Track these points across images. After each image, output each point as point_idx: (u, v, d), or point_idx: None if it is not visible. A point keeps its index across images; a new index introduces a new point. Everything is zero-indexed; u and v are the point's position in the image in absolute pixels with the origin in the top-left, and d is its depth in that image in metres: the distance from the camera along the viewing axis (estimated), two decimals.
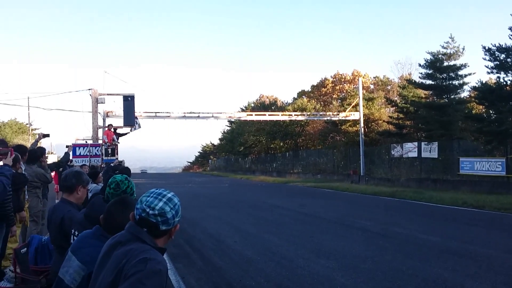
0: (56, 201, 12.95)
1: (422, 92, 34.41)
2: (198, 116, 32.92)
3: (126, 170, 12.34)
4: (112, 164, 14.15)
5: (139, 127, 26.43)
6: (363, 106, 36.32)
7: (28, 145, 17.21)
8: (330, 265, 7.84)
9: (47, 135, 10.41)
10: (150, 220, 2.17)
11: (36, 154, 8.39)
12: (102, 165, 17.11)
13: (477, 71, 56.28)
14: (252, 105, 67.02)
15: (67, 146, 11.78)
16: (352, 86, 51.96)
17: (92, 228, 2.99)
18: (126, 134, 23.35)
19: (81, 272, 2.77)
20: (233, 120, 57.57)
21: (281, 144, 55.51)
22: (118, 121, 26.92)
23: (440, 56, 30.64)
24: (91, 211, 3.57)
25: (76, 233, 3.51)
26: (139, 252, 2.10)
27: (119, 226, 2.58)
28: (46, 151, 9.38)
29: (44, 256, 5.37)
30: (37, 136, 10.39)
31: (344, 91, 51.44)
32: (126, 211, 2.73)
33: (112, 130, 21.61)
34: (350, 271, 7.35)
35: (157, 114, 31.77)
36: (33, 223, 7.82)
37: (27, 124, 50.08)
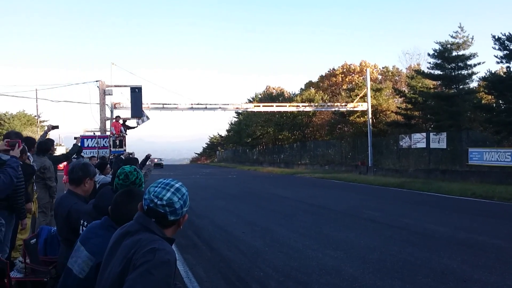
0: (65, 192, 13.05)
1: (430, 83, 34.14)
2: (206, 108, 32.90)
3: (133, 160, 12.36)
4: (122, 156, 14.19)
5: (147, 119, 26.42)
6: (371, 96, 36.14)
7: (37, 137, 17.29)
8: (339, 256, 7.84)
9: (56, 127, 10.42)
10: (158, 211, 2.16)
11: (47, 145, 8.43)
12: (110, 157, 17.16)
13: (486, 61, 55.44)
14: (259, 96, 66.93)
15: (75, 138, 11.80)
16: (360, 77, 51.70)
17: (101, 219, 3.00)
18: (134, 127, 23.33)
19: (89, 262, 2.78)
20: (240, 111, 57.67)
21: (289, 135, 55.44)
22: (125, 113, 26.96)
23: (449, 45, 30.31)
24: (100, 202, 3.58)
25: (85, 223, 3.52)
26: (148, 242, 2.10)
27: (126, 217, 2.58)
28: (55, 143, 9.39)
29: (54, 246, 5.40)
30: (46, 128, 10.42)
31: (353, 82, 51.18)
32: (133, 202, 2.74)
33: (121, 121, 21.63)
34: (359, 262, 7.35)
35: (165, 106, 31.75)
36: (41, 214, 7.87)
37: (35, 116, 50.39)
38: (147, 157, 14.93)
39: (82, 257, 2.81)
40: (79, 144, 11.42)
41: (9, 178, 4.35)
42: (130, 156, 14.41)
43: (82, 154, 13.70)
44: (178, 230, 2.31)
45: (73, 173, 4.17)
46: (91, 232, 2.92)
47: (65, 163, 12.50)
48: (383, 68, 54.75)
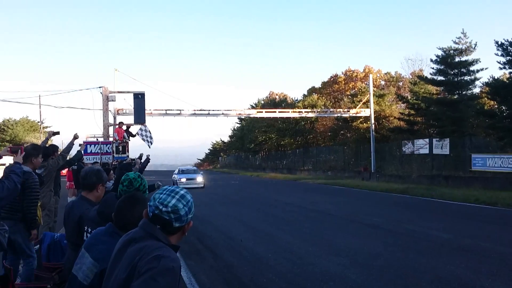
0: (68, 198, 13.04)
1: (433, 88, 34.08)
2: (208, 114, 32.93)
3: (129, 166, 12.36)
4: (125, 162, 14.20)
5: (146, 131, 25.33)
6: (374, 102, 36.12)
7: (39, 143, 17.31)
8: (342, 262, 7.82)
9: (57, 133, 10.41)
10: (163, 217, 2.17)
11: (49, 151, 8.44)
12: (114, 163, 17.17)
13: (489, 67, 55.16)
14: (262, 102, 66.97)
15: (80, 145, 11.81)
16: (363, 83, 51.68)
17: (105, 225, 3.00)
18: (133, 136, 23.22)
19: (94, 269, 2.78)
20: (243, 117, 57.67)
21: (291, 141, 55.41)
22: (129, 119, 27.00)
23: (451, 51, 30.31)
24: (104, 208, 3.58)
25: (89, 230, 3.52)
26: (153, 249, 2.10)
27: (129, 223, 2.59)
28: (58, 149, 9.39)
29: (57, 253, 5.40)
30: (47, 134, 10.44)
31: (355, 88, 51.18)
32: (136, 207, 2.74)
33: (124, 127, 21.64)
34: (362, 268, 7.32)
35: (168, 112, 31.83)
36: (45, 217, 7.87)
37: (38, 122, 50.53)
38: (143, 158, 14.77)
39: (87, 264, 2.81)
40: (82, 151, 11.43)
41: (13, 184, 4.32)
42: (132, 161, 14.44)
43: (83, 160, 13.70)
44: (183, 237, 2.31)
45: (86, 178, 4.17)
46: (96, 239, 2.91)
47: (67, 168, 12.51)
48: (385, 73, 54.69)
